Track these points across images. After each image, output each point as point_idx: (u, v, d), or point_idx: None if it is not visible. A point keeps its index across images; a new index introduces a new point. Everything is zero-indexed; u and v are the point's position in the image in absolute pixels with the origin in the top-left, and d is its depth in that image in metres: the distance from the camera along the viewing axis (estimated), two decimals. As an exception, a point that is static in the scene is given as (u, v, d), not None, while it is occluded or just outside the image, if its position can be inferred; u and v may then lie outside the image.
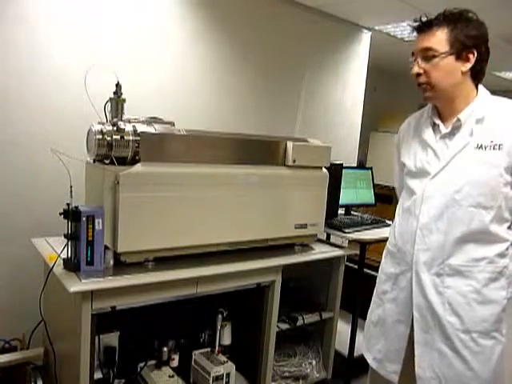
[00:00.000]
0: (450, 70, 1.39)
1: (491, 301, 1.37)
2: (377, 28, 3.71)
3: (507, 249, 1.38)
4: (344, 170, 2.65)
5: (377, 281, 1.65)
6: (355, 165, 3.83)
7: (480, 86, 1.45)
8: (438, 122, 1.47)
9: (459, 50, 1.37)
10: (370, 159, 5.03)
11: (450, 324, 1.38)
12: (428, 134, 1.48)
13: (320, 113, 3.53)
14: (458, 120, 1.41)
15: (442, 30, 1.38)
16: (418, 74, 1.42)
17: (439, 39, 1.38)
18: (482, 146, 1.35)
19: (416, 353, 1.43)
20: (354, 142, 3.88)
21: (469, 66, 1.38)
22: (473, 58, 1.38)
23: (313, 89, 3.44)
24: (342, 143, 3.65)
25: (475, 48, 1.37)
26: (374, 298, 1.65)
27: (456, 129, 1.42)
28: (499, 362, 1.38)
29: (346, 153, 3.69)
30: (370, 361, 1.61)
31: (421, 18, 1.43)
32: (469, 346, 1.36)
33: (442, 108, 1.47)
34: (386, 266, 1.58)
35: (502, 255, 1.38)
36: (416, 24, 1.43)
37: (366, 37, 3.76)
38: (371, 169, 3.12)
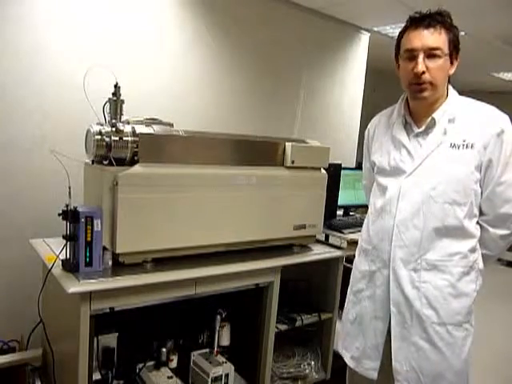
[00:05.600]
0: (446, 72, 1.43)
1: (463, 294, 1.44)
2: (375, 29, 3.72)
3: (476, 244, 1.45)
4: (343, 171, 2.66)
5: (351, 279, 1.68)
6: (354, 166, 3.83)
7: (449, 87, 1.49)
8: (410, 120, 1.51)
9: (452, 53, 1.42)
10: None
11: (427, 317, 1.43)
12: (400, 132, 1.51)
13: (319, 114, 3.53)
14: (433, 119, 1.44)
15: (445, 30, 1.40)
16: (423, 72, 1.40)
17: (443, 39, 1.39)
18: (455, 145, 1.40)
19: (393, 347, 1.48)
20: (352, 142, 3.89)
21: (453, 69, 1.45)
22: (456, 63, 1.44)
23: (312, 90, 3.44)
24: (340, 144, 3.66)
25: (458, 53, 1.44)
26: (349, 297, 1.67)
27: (430, 128, 1.45)
28: (469, 352, 1.47)
29: (345, 153, 3.69)
30: (347, 359, 1.65)
31: (420, 12, 1.43)
32: (444, 337, 1.42)
33: (420, 107, 1.48)
34: (361, 264, 1.61)
35: (472, 250, 1.44)
36: (419, 16, 1.41)
37: (364, 38, 3.77)
38: (370, 170, 3.12)
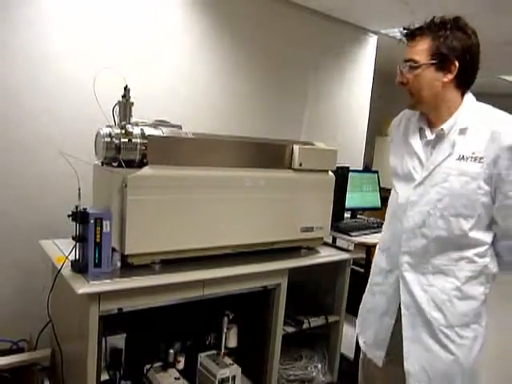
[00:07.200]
0: (430, 81, 1.39)
1: (470, 297, 1.44)
2: (383, 31, 3.71)
3: (486, 250, 1.44)
4: (350, 174, 2.66)
5: (370, 271, 1.71)
6: (361, 168, 3.82)
7: (467, 95, 1.44)
8: (424, 127, 1.50)
9: (440, 61, 1.37)
10: (375, 163, 5.02)
11: (435, 320, 1.44)
12: (414, 138, 1.51)
13: (326, 116, 3.53)
14: (442, 130, 1.42)
15: (424, 41, 1.39)
16: (401, 83, 1.44)
17: (420, 49, 1.39)
18: (463, 157, 1.38)
19: (404, 349, 1.49)
20: (359, 145, 3.88)
21: (450, 76, 1.38)
22: (455, 70, 1.37)
23: (319, 92, 3.44)
24: (348, 147, 3.65)
25: (457, 59, 1.36)
26: (368, 287, 1.70)
27: (440, 137, 1.44)
28: (480, 352, 1.47)
29: (352, 156, 3.69)
30: (361, 343, 1.69)
31: (409, 26, 1.44)
32: (454, 340, 1.44)
33: (429, 115, 1.49)
34: (379, 261, 1.64)
35: (481, 255, 1.43)
36: (404, 32, 1.45)
37: (372, 40, 3.77)
38: (377, 172, 3.12)
